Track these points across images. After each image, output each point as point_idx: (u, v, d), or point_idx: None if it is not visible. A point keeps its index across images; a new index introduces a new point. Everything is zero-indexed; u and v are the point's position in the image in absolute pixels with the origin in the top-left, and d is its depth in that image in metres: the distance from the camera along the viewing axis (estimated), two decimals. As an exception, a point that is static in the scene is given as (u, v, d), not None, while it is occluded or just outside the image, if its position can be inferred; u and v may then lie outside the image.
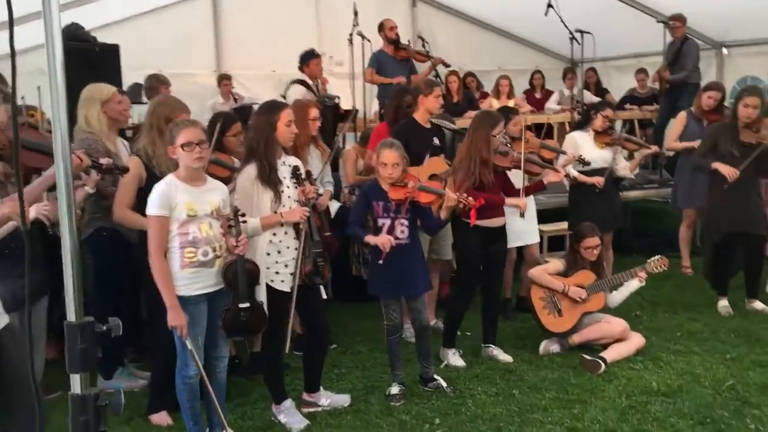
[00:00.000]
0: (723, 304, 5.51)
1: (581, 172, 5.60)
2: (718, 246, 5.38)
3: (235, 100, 8.59)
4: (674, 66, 7.85)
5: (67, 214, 1.57)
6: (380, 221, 4.14)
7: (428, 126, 5.20)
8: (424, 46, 7.27)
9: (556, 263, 4.97)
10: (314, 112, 5.15)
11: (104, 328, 1.63)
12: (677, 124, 6.39)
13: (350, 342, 5.24)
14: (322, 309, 4.07)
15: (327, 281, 3.97)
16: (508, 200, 4.61)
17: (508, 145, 5.19)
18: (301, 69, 7.14)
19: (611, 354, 4.60)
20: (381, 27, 7.62)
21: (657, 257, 4.91)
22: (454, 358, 4.74)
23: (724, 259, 5.44)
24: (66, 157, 1.54)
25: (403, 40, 7.95)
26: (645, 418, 3.82)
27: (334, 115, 6.78)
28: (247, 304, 3.51)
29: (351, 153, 6.06)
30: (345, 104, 7.93)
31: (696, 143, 5.97)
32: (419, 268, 4.22)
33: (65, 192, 1.57)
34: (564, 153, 5.53)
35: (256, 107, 7.24)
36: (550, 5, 7.91)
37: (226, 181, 4.26)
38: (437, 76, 6.93)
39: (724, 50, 9.41)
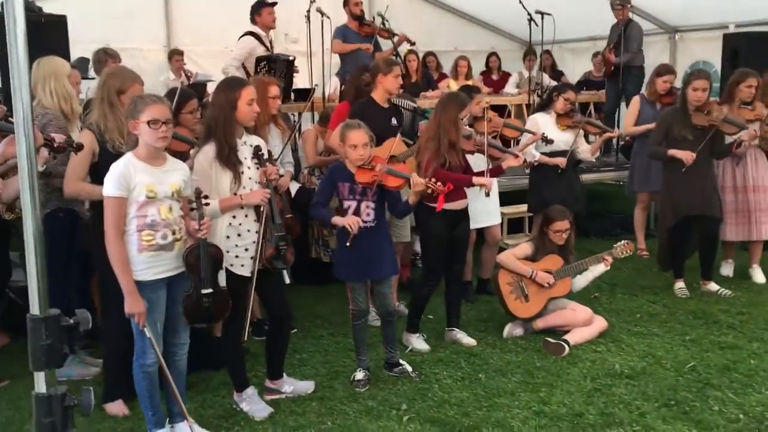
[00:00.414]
0: (680, 285, 5.59)
1: (543, 154, 5.59)
2: (674, 229, 5.43)
3: (188, 77, 8.32)
4: (619, 49, 7.88)
5: (30, 198, 1.42)
6: (346, 203, 4.04)
7: (386, 106, 5.10)
8: (384, 23, 7.13)
9: (524, 247, 4.94)
10: (274, 90, 4.97)
11: (71, 321, 1.49)
12: (632, 108, 6.44)
13: (311, 326, 5.13)
14: (284, 294, 3.94)
15: (289, 265, 3.84)
16: (476, 179, 4.53)
17: (470, 126, 5.15)
18: (252, 20, 6.89)
19: (574, 337, 4.60)
20: (346, 1, 7.48)
21: (623, 242, 4.93)
22: (418, 342, 4.68)
23: (680, 241, 5.51)
24: (29, 136, 1.39)
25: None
26: (611, 401, 3.82)
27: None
28: (210, 290, 3.37)
29: (311, 133, 5.92)
30: (303, 83, 7.77)
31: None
32: (386, 252, 4.13)
33: (27, 175, 1.41)
34: (528, 131, 5.51)
35: (210, 85, 7.08)
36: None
37: (184, 156, 4.10)
38: (397, 55, 6.80)
39: (677, 35, 9.56)
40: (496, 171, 4.83)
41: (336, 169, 4.14)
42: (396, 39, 7.47)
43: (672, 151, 5.29)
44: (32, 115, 1.42)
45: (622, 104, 8.22)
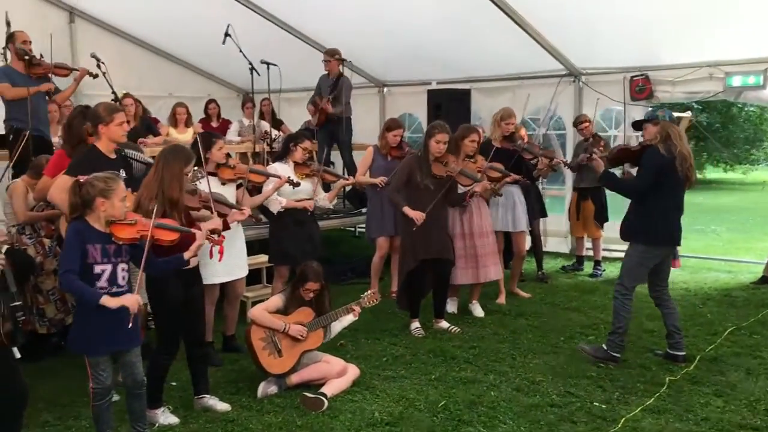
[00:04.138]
0: (416, 326, 5.88)
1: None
2: (412, 272, 5.71)
3: None
4: (337, 100, 8.23)
5: None
6: (98, 267, 3.50)
7: (113, 156, 4.60)
8: (99, 66, 6.51)
9: (275, 300, 4.77)
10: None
11: None
12: (366, 158, 6.69)
13: (32, 412, 4.29)
14: (18, 371, 3.37)
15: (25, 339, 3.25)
16: (202, 231, 4.05)
17: (214, 174, 4.86)
18: None
19: (331, 388, 4.53)
20: (11, 38, 6.47)
21: (369, 292, 5.03)
22: (165, 417, 4.21)
23: (417, 283, 5.80)
24: None
25: (60, 57, 7.03)
26: (377, 452, 3.81)
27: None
28: None
29: (20, 186, 5.17)
30: (-1, 128, 6.78)
31: (380, 179, 6.37)
32: (135, 317, 3.67)
33: None
34: (275, 176, 5.41)
35: None
36: (227, 34, 7.77)
37: None
38: (117, 99, 6.24)
39: (386, 89, 10.30)
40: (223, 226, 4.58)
41: (81, 228, 3.52)
42: (77, 74, 6.72)
43: (406, 209, 5.59)
44: None
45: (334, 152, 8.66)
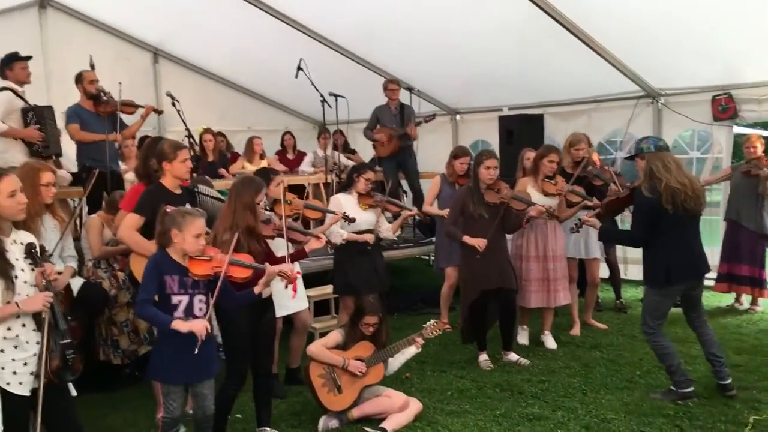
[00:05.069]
0: (483, 358, 5.73)
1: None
2: (475, 303, 5.58)
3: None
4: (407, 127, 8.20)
5: None
6: (175, 298, 3.62)
7: (178, 192, 4.72)
8: (174, 104, 6.78)
9: (335, 335, 4.76)
10: (47, 177, 4.45)
11: None
12: (433, 186, 6.65)
13: (101, 440, 4.50)
14: (73, 410, 3.46)
15: (77, 375, 3.35)
16: (273, 268, 4.11)
17: (269, 209, 4.93)
18: (2, 75, 6.18)
19: (391, 424, 4.46)
20: (79, 78, 6.75)
21: (432, 322, 4.93)
22: (227, 450, 4.26)
23: (481, 314, 5.67)
24: None
25: (145, 97, 7.35)
26: (435, 491, 3.70)
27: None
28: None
29: (96, 222, 5.39)
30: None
31: (446, 211, 6.27)
32: (212, 349, 3.78)
33: None
34: (329, 212, 5.43)
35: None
36: (300, 68, 7.95)
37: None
38: (190, 135, 6.45)
39: (457, 116, 10.25)
40: (298, 255, 4.64)
41: (160, 260, 3.68)
42: (143, 111, 6.94)
43: (465, 238, 5.50)
44: None
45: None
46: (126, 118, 7.05)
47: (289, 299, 5.01)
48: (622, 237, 5.06)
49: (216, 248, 3.81)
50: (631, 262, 8.51)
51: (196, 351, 3.50)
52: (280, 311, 5.05)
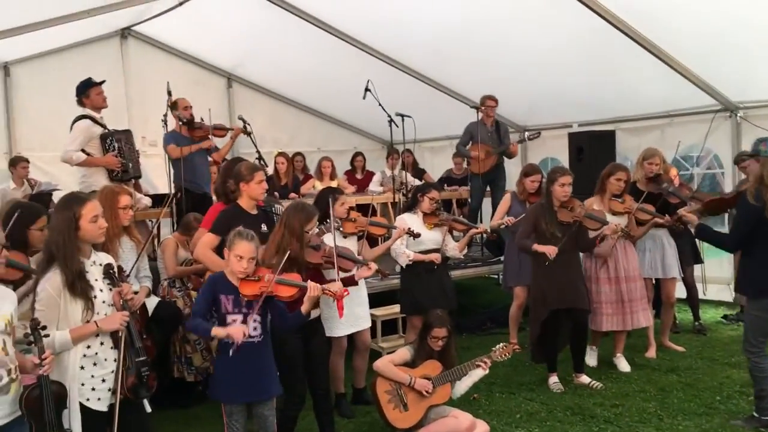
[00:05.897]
0: (554, 380, 5.60)
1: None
2: (545, 322, 5.48)
3: (31, 186, 7.69)
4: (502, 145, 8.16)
5: None
6: (230, 317, 3.73)
7: (254, 212, 4.85)
8: (245, 127, 6.98)
9: (403, 352, 4.76)
10: (125, 200, 4.65)
11: None
12: (503, 204, 6.57)
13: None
14: (147, 426, 3.56)
15: (152, 392, 3.46)
16: (317, 285, 3.99)
17: (337, 228, 4.98)
18: (80, 102, 6.34)
19: (458, 445, 4.42)
20: (174, 106, 7.06)
21: (501, 345, 4.84)
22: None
23: (552, 334, 5.55)
24: None
25: (220, 121, 7.60)
26: None
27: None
28: (54, 436, 2.92)
29: (171, 242, 5.57)
30: (162, 187, 7.44)
31: (507, 219, 6.28)
32: (271, 369, 3.84)
33: None
34: (394, 227, 5.46)
35: (57, 194, 6.54)
36: (367, 89, 8.03)
37: (18, 283, 3.67)
38: (261, 158, 6.62)
39: (526, 134, 10.12)
40: (347, 281, 4.65)
41: (216, 279, 3.82)
42: (232, 133, 7.23)
43: (536, 246, 5.40)
44: None
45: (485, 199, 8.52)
46: (217, 141, 7.36)
47: (353, 318, 5.06)
48: (718, 238, 4.83)
49: (267, 269, 3.87)
50: (711, 282, 8.18)
51: (231, 353, 3.59)
52: (343, 330, 5.09)
